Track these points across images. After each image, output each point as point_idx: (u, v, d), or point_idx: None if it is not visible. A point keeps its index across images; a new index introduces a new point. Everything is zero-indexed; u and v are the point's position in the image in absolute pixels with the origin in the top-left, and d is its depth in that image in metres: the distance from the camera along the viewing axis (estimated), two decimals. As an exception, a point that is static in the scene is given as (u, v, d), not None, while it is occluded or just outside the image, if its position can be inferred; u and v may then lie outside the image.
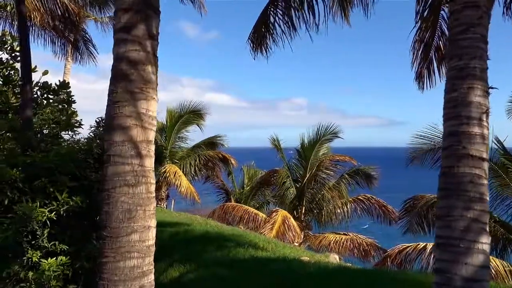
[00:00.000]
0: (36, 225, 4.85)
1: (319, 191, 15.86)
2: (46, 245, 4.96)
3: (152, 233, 3.50)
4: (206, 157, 17.40)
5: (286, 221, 13.66)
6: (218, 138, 18.70)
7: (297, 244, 13.98)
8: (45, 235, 4.97)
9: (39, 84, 7.48)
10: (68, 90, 7.60)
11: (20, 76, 7.29)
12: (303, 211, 16.13)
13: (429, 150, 11.58)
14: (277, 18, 6.91)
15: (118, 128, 3.44)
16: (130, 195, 3.40)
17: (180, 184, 15.36)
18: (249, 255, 8.21)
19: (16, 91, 7.53)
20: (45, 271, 4.67)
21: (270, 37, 7.01)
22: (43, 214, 4.79)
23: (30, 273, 4.92)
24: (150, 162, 3.55)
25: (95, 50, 15.32)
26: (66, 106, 7.62)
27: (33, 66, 7.26)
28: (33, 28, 14.19)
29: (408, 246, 10.10)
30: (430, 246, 9.88)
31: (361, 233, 16.40)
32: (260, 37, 7.08)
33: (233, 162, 18.23)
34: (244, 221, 15.71)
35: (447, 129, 3.79)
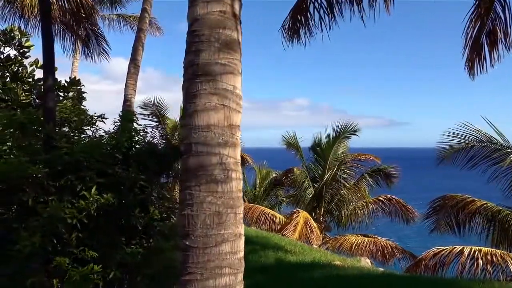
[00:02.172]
0: (63, 228, 4.31)
1: (339, 191, 15.32)
2: (74, 251, 4.42)
3: (242, 242, 2.87)
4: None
5: (308, 222, 13.11)
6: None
7: (315, 247, 13.45)
8: (73, 239, 4.44)
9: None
10: (78, 87, 7.17)
11: (28, 73, 6.94)
12: (321, 212, 15.58)
13: (461, 149, 11.03)
14: (316, 4, 6.40)
15: (202, 109, 2.74)
16: (219, 194, 2.71)
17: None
18: (280, 259, 7.70)
19: (25, 88, 7.16)
20: (76, 282, 4.14)
21: (308, 24, 6.50)
22: (73, 215, 4.25)
23: (55, 282, 4.40)
24: (238, 153, 2.90)
25: (108, 46, 14.86)
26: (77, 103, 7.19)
27: (41, 63, 6.86)
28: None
29: (444, 249, 9.52)
30: (467, 249, 9.31)
31: (372, 234, 15.91)
32: (296, 25, 6.58)
33: (249, 161, 17.66)
34: (261, 222, 15.18)
35: None
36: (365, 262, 9.02)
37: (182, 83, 2.87)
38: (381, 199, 15.34)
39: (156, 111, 16.32)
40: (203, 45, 2.76)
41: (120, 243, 4.96)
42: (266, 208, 16.11)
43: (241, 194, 2.91)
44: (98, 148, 4.85)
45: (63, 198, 4.53)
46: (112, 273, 4.57)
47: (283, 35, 6.69)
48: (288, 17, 6.48)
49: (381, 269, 9.10)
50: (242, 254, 2.89)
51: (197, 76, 2.77)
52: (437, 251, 9.57)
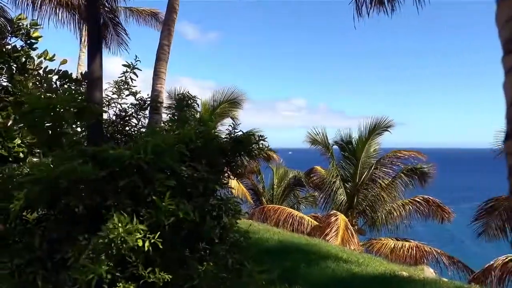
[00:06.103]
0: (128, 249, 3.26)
1: (373, 191, 14.28)
2: (142, 273, 3.40)
3: None
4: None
5: (348, 226, 12.08)
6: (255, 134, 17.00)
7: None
8: (140, 261, 3.42)
9: (60, 73, 6.31)
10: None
11: (36, 64, 6.31)
12: (354, 214, 14.56)
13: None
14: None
15: None
16: None
17: (231, 186, 13.72)
18: (345, 271, 6.72)
19: (34, 81, 6.34)
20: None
21: None
22: (145, 234, 3.21)
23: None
24: None
25: (126, 35, 13.71)
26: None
27: (51, 55, 6.43)
28: (57, 9, 12.73)
29: (515, 257, 8.54)
30: (543, 257, 8.32)
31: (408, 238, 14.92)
32: None
33: (275, 157, 16.61)
34: (288, 224, 14.19)
35: None
36: (429, 272, 8.01)
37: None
38: (418, 200, 14.35)
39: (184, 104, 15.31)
40: None
41: (189, 259, 3.96)
42: (293, 210, 15.09)
43: None
44: (176, 149, 3.79)
45: (123, 204, 3.52)
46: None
47: (356, 7, 5.72)
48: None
49: (445, 279, 8.09)
50: None
51: None
52: (506, 260, 8.60)
